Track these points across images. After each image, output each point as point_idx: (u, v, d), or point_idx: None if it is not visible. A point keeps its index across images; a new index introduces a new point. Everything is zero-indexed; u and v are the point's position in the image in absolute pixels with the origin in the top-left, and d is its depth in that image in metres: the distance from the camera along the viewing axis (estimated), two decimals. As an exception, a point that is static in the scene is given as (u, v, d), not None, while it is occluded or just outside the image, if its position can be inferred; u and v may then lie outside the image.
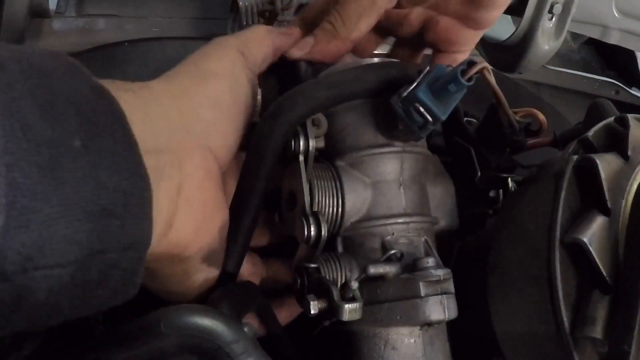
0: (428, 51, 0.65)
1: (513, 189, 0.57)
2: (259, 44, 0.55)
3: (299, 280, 0.52)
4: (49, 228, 0.31)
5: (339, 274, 0.50)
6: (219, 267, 0.51)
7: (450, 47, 0.61)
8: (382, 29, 0.62)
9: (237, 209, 0.51)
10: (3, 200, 0.29)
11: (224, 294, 0.49)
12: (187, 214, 0.44)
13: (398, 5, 0.61)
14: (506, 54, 1.00)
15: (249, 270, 0.55)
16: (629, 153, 0.48)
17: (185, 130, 0.45)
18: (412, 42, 0.64)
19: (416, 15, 0.60)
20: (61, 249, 0.31)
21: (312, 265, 0.51)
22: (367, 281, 0.49)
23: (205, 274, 0.50)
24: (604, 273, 0.44)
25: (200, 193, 0.45)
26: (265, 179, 0.50)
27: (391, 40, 0.68)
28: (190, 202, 0.44)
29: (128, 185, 0.35)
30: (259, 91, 0.56)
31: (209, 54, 0.52)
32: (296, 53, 0.58)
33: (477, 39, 0.61)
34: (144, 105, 0.41)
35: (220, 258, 0.51)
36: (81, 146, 0.33)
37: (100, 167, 0.34)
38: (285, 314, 0.57)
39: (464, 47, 0.62)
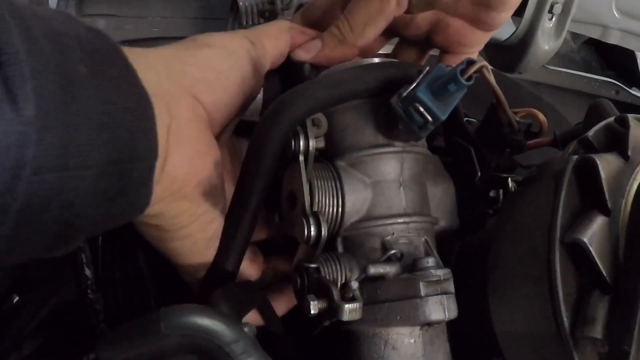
0: (433, 51, 0.65)
1: (513, 189, 0.57)
2: (274, 38, 0.57)
3: (299, 280, 0.52)
4: (71, 133, 0.35)
5: (339, 274, 0.50)
6: (224, 214, 0.52)
7: (460, 48, 0.61)
8: (388, 30, 0.62)
9: (236, 208, 0.51)
10: (32, 98, 0.33)
11: (224, 293, 0.49)
12: (179, 149, 0.46)
13: (407, 10, 0.61)
14: (506, 54, 1.00)
15: (250, 258, 0.56)
16: (629, 153, 0.48)
17: (172, 80, 0.48)
18: (419, 43, 0.65)
19: (424, 17, 0.60)
20: (83, 153, 0.36)
21: (312, 265, 0.51)
22: (367, 281, 0.49)
23: (211, 216, 0.51)
24: (604, 273, 0.44)
25: (189, 131, 0.47)
26: (264, 178, 0.50)
27: (394, 40, 0.67)
28: (181, 139, 0.46)
29: (133, 103, 0.40)
30: (261, 90, 0.56)
31: (213, 34, 0.54)
32: (303, 55, 0.58)
33: (487, 39, 0.62)
34: (135, 58, 0.43)
35: (222, 201, 0.52)
36: (87, 72, 0.37)
37: (106, 89, 0.38)
38: (283, 304, 0.58)
39: (474, 48, 0.62)
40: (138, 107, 0.40)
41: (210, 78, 0.50)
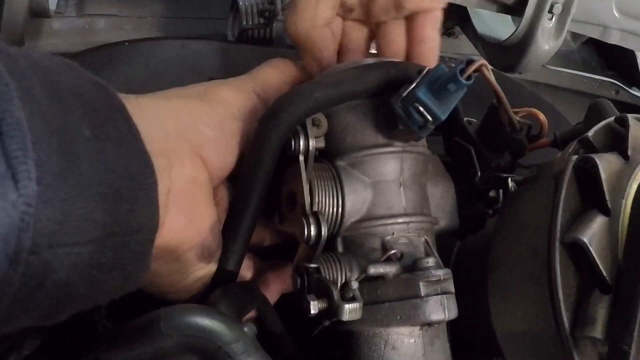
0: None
1: (513, 189, 0.57)
2: (278, 88, 0.56)
3: (299, 281, 0.52)
4: (69, 206, 0.33)
5: (339, 274, 0.50)
6: (216, 264, 0.51)
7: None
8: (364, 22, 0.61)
9: (236, 208, 0.51)
10: (34, 175, 0.31)
11: (224, 294, 0.49)
12: (177, 212, 0.45)
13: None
14: (506, 54, 1.00)
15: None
16: (629, 153, 0.48)
17: (181, 138, 0.46)
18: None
19: None
20: (80, 227, 0.33)
21: (312, 265, 0.51)
22: (367, 281, 0.49)
23: (203, 272, 0.50)
24: (604, 273, 0.44)
25: (188, 195, 0.46)
26: (264, 178, 0.50)
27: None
28: (179, 203, 0.45)
29: (134, 171, 0.37)
30: None
31: (223, 87, 0.53)
32: None
33: None
34: (141, 111, 0.42)
35: (216, 256, 0.51)
36: (90, 134, 0.35)
37: (108, 154, 0.36)
38: (279, 285, 0.58)
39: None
40: (140, 175, 0.38)
41: (221, 139, 0.50)
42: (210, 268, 0.51)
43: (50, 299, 0.34)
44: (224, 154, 0.50)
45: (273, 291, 0.57)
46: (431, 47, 0.62)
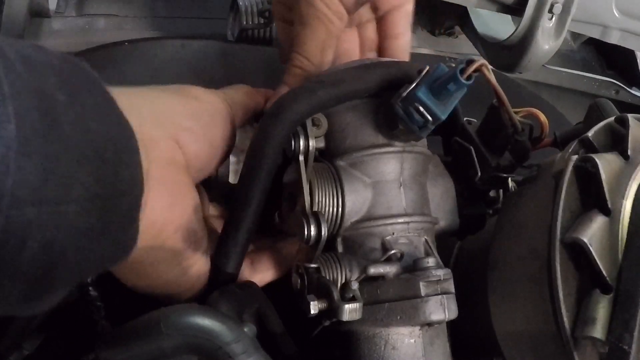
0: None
1: (513, 189, 0.57)
2: (242, 106, 0.57)
3: (299, 281, 0.52)
4: (51, 164, 0.32)
5: (339, 274, 0.50)
6: (207, 253, 0.51)
7: None
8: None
9: (237, 208, 0.51)
10: (13, 120, 0.30)
11: (224, 294, 0.49)
12: (157, 193, 0.44)
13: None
14: (506, 54, 1.00)
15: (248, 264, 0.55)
16: (629, 153, 0.48)
17: (157, 125, 0.47)
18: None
19: None
20: (63, 185, 0.32)
21: (312, 265, 0.51)
22: (367, 281, 0.49)
23: (192, 261, 0.50)
24: (604, 273, 0.44)
25: (166, 175, 0.46)
26: (265, 178, 0.50)
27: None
28: (160, 182, 0.45)
29: (115, 134, 0.37)
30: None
31: (197, 87, 0.54)
32: None
33: None
34: (116, 98, 0.41)
35: (204, 243, 0.51)
36: (66, 100, 0.34)
37: (87, 119, 0.35)
38: (274, 269, 0.58)
39: None
40: (121, 138, 0.38)
41: (197, 129, 0.50)
42: (203, 262, 0.51)
43: (35, 264, 0.33)
44: (199, 144, 0.50)
45: (262, 277, 0.57)
46: (403, 43, 0.63)
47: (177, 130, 0.48)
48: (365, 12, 0.63)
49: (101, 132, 0.36)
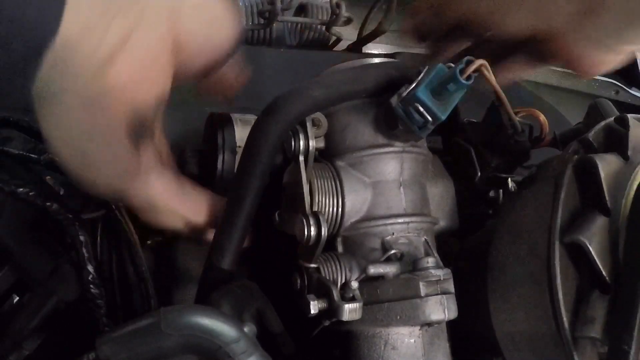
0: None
1: (513, 189, 0.57)
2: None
3: (298, 280, 0.52)
4: None
5: (339, 274, 0.50)
6: (152, 141, 0.49)
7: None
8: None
9: (232, 206, 0.51)
10: None
11: (224, 293, 0.49)
12: (131, 55, 0.42)
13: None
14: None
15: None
16: (629, 153, 0.48)
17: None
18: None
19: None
20: None
21: (312, 265, 0.51)
22: (367, 281, 0.49)
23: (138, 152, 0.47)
24: (604, 273, 0.44)
25: (148, 42, 0.43)
26: (261, 176, 0.50)
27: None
28: (137, 47, 0.42)
29: None
30: None
31: None
32: None
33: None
34: None
35: (153, 141, 0.49)
36: None
37: None
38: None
39: None
40: None
41: (199, 9, 0.47)
42: (150, 157, 0.49)
43: None
44: (193, 25, 0.46)
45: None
46: None
47: (179, 15, 0.45)
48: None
49: None
